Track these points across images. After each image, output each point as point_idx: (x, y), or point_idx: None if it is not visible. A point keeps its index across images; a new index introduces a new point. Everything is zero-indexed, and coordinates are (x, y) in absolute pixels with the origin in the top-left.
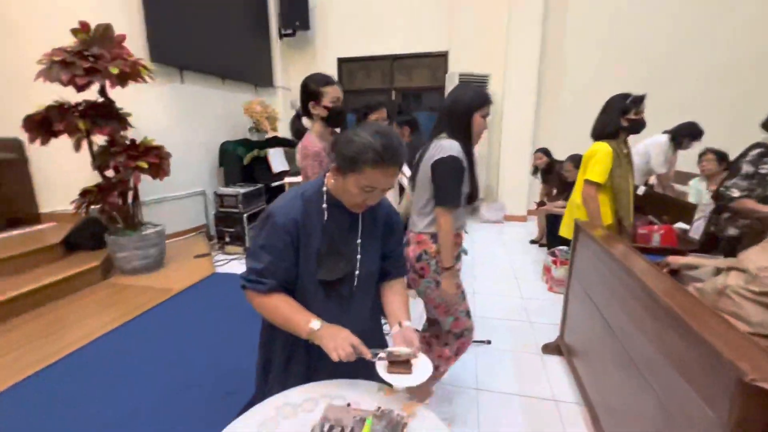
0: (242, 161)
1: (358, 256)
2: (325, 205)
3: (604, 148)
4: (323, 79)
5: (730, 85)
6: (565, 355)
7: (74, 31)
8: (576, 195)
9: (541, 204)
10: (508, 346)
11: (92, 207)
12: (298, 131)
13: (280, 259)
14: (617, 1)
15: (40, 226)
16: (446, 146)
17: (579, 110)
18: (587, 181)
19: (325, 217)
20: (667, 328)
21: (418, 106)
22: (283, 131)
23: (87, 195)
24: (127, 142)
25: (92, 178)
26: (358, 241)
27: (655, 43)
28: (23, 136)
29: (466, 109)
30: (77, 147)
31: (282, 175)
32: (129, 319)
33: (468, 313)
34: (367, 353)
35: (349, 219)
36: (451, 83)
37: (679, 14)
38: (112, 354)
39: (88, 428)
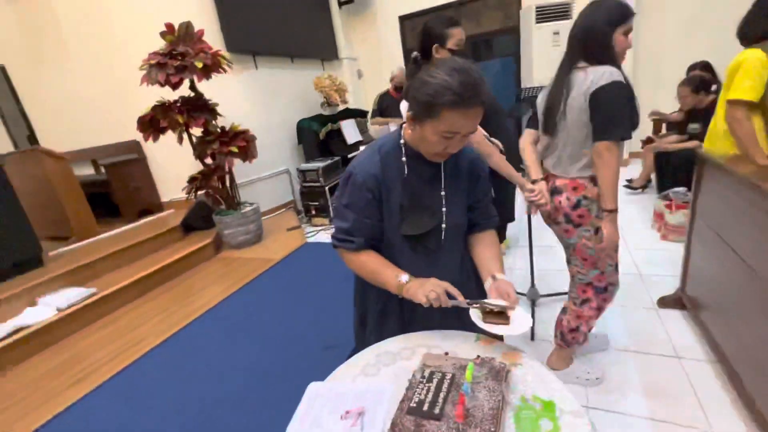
0: (318, 136)
1: (443, 209)
2: (404, 159)
3: (755, 54)
4: (448, 21)
5: None
6: (689, 308)
7: (163, 34)
8: (718, 120)
9: (648, 141)
10: (618, 302)
11: (199, 192)
12: None
13: (365, 216)
14: None
15: (162, 214)
16: (604, 73)
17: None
18: (731, 102)
19: (405, 171)
20: None
21: (489, 54)
22: (354, 102)
23: (194, 182)
24: (218, 130)
25: (195, 167)
26: (442, 192)
27: None
28: (139, 137)
29: (604, 28)
30: (180, 140)
31: (357, 145)
32: (241, 286)
33: (616, 267)
34: (459, 295)
35: (431, 170)
36: (527, 21)
37: None
38: (231, 316)
39: (222, 372)
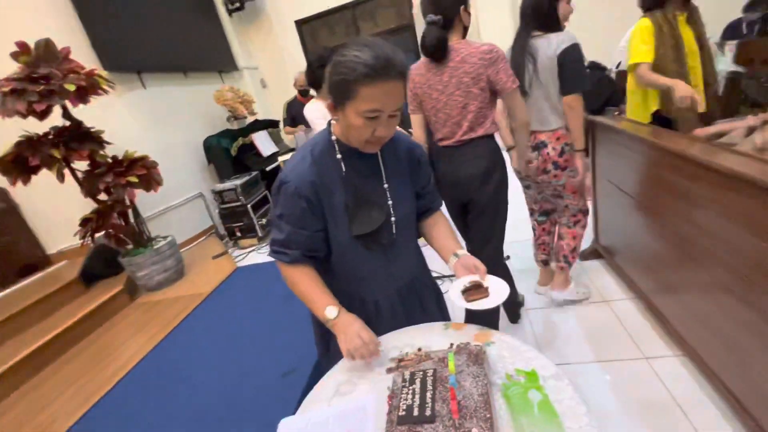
0: (230, 153)
1: (389, 202)
2: (338, 156)
3: (643, 23)
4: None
5: None
6: (605, 256)
7: (14, 55)
8: (630, 94)
9: None
10: None
11: (97, 235)
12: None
13: (300, 227)
14: None
15: (51, 268)
16: (565, 37)
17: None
18: (633, 66)
19: (343, 169)
20: (710, 189)
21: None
22: (262, 113)
23: (88, 223)
24: (109, 160)
25: (88, 206)
26: (385, 185)
27: None
28: (3, 182)
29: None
30: (60, 178)
31: (275, 156)
32: (169, 331)
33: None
34: (377, 352)
35: (369, 164)
36: (420, 18)
37: None
38: (165, 366)
39: (175, 425)
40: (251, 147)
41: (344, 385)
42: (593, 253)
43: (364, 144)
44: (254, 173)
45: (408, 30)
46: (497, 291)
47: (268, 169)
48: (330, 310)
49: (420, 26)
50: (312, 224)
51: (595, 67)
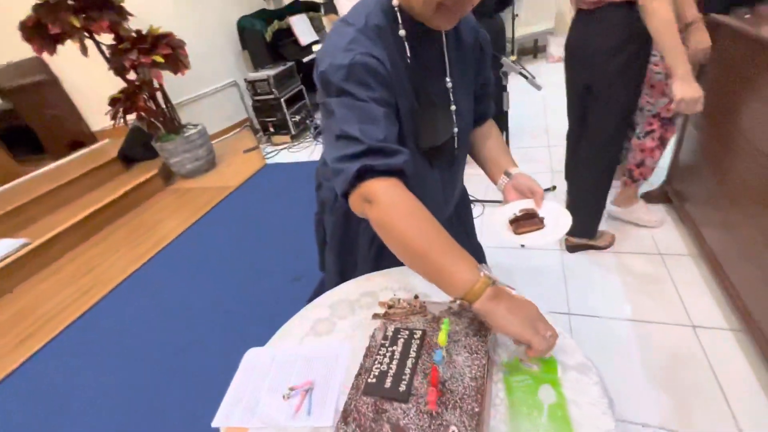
0: (265, 38)
1: (453, 107)
2: (402, 33)
3: None
4: None
5: None
6: (675, 202)
7: None
8: None
9: None
10: None
11: (128, 116)
12: None
13: (391, 120)
14: None
15: (95, 145)
16: None
17: None
18: None
19: (408, 54)
20: None
21: None
22: None
23: (116, 103)
24: (134, 35)
25: (120, 86)
26: (448, 82)
27: None
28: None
29: None
30: (83, 50)
31: (312, 46)
32: (197, 218)
33: None
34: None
35: (433, 47)
36: None
37: None
38: (189, 251)
39: (186, 315)
40: (289, 32)
41: (323, 323)
42: (660, 197)
43: (434, 10)
44: (290, 64)
45: None
46: (556, 223)
47: (305, 60)
48: (483, 277)
49: None
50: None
51: None
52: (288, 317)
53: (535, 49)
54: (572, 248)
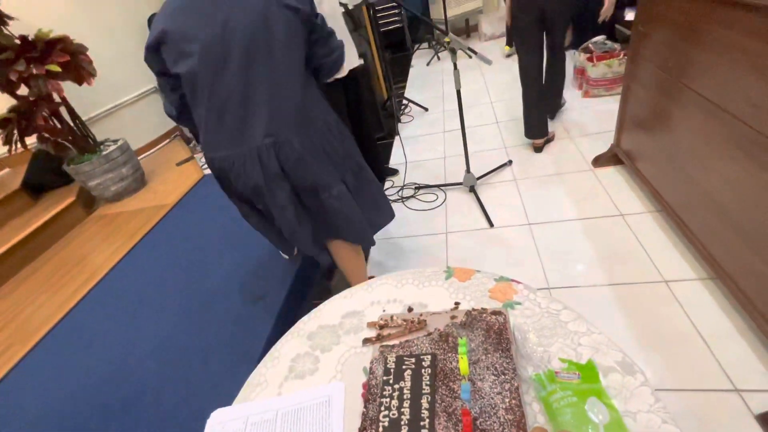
0: None
1: None
2: None
3: None
4: None
5: None
6: (626, 162)
7: None
8: None
9: None
10: (552, 170)
11: (26, 139)
12: None
13: None
14: None
15: None
16: None
17: None
18: None
19: None
20: None
21: None
22: None
23: (7, 125)
24: (17, 41)
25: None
26: None
27: None
28: None
29: None
30: None
31: None
32: (132, 246)
33: None
34: None
35: None
36: None
37: None
38: (128, 284)
39: (130, 355)
40: None
41: (302, 359)
42: (610, 159)
43: None
44: None
45: None
46: None
47: None
48: None
49: None
50: None
51: None
52: (255, 344)
53: (467, 28)
54: (540, 148)
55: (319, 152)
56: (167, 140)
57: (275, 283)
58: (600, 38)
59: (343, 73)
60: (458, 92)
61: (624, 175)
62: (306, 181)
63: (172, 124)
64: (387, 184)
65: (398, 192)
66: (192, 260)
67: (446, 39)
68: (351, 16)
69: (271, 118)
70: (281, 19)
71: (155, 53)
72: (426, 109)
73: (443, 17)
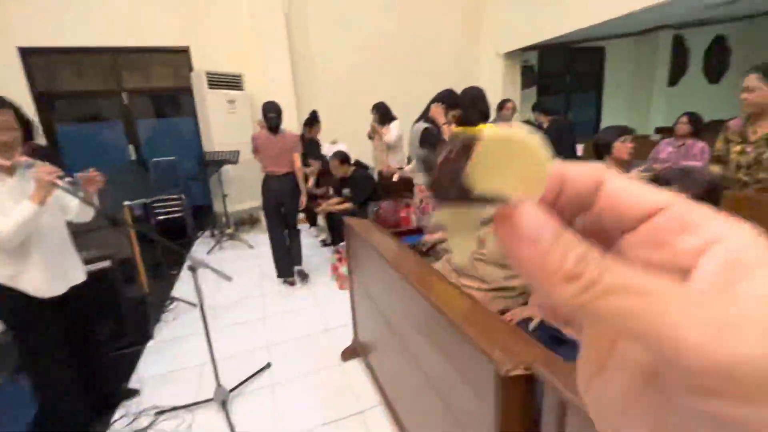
0: None
1: None
2: None
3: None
4: None
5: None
6: (362, 356)
7: None
8: None
9: (317, 204)
10: (307, 367)
11: None
12: None
13: None
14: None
15: None
16: None
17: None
18: None
19: None
20: (429, 319)
21: (172, 112)
22: None
23: None
24: None
25: None
26: None
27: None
28: None
29: None
30: None
31: None
32: None
33: None
34: None
35: None
36: (199, 84)
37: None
38: None
39: None
40: None
41: None
42: (354, 351)
43: None
44: None
45: (185, 91)
46: None
47: None
48: None
49: (199, 93)
50: None
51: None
52: None
53: (251, 219)
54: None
55: None
56: None
57: None
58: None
59: None
60: (201, 306)
61: (364, 368)
62: None
63: None
64: (119, 412)
65: (129, 424)
66: None
67: (228, 230)
68: (110, 218)
69: None
70: None
71: None
72: (194, 305)
73: (224, 212)
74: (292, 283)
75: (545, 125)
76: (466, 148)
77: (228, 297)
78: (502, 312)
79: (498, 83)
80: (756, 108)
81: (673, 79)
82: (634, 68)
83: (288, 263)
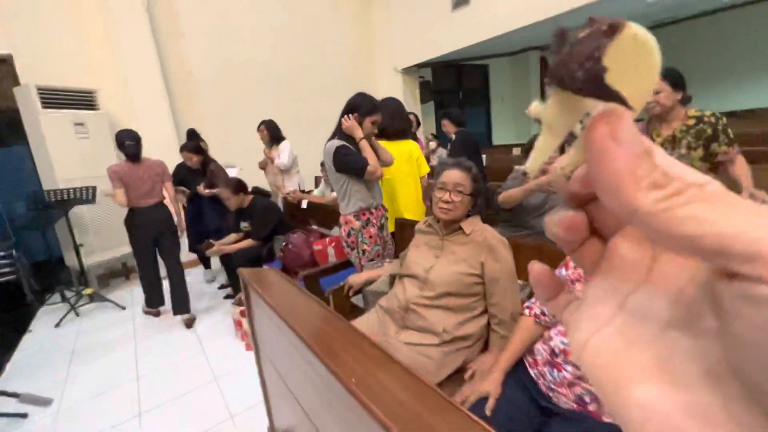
0: None
1: None
2: None
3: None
4: None
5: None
6: None
7: None
8: None
9: (208, 245)
10: None
11: None
12: None
13: None
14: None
15: None
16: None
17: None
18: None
19: None
20: (343, 406)
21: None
22: None
23: None
24: None
25: None
26: None
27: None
28: None
29: None
30: None
31: None
32: None
33: None
34: None
35: None
36: (29, 104)
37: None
38: None
39: None
40: None
41: None
42: None
43: None
44: None
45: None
46: None
47: None
48: None
49: (29, 116)
50: None
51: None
52: None
53: (125, 270)
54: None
55: None
56: None
57: None
58: None
59: None
60: None
61: None
62: None
63: None
64: None
65: None
66: None
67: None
68: None
69: None
70: None
71: None
72: (24, 416)
73: (78, 269)
74: (156, 314)
75: (452, 136)
76: (612, 29)
77: (88, 389)
78: (459, 370)
79: (398, 98)
80: (663, 109)
81: (545, 94)
82: (512, 85)
83: (160, 290)
